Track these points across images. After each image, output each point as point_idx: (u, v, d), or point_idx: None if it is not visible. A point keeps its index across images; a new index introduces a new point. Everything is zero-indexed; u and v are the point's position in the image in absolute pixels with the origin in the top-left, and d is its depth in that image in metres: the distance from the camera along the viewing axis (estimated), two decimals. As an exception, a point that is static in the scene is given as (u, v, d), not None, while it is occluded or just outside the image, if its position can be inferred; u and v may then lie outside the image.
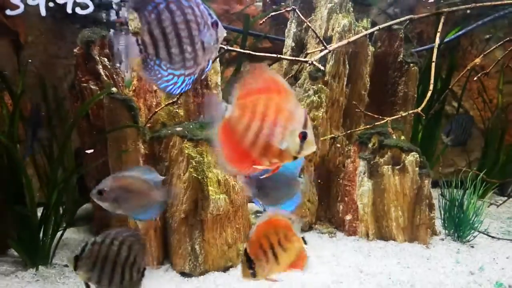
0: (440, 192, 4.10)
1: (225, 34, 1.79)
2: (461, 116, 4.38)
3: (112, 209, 2.23)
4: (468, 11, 3.97)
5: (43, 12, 2.33)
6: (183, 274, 3.04)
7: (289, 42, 4.04)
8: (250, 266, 1.95)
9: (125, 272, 2.08)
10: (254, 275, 1.99)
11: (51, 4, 2.40)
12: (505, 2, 3.57)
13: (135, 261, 2.09)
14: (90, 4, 2.44)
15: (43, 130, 3.40)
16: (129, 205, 2.23)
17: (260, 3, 5.12)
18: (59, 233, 3.38)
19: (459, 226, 3.67)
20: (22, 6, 2.31)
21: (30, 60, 3.83)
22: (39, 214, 3.24)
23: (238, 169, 1.70)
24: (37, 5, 2.38)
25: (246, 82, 1.63)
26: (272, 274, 2.05)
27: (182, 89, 1.82)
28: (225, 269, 3.09)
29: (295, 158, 1.65)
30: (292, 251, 2.02)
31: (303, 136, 1.60)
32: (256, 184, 2.06)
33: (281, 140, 1.60)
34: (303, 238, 2.05)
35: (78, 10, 2.44)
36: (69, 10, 2.41)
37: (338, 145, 3.84)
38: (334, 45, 3.33)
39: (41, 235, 3.22)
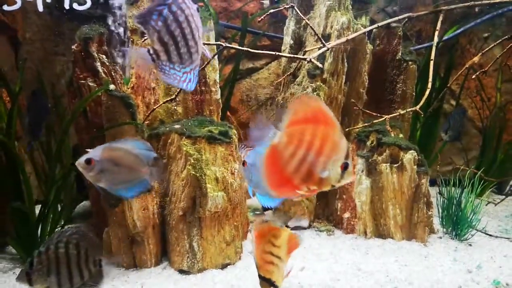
0: (438, 191, 4.10)
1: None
2: (455, 111, 4.38)
3: (95, 180, 2.12)
4: (476, 9, 3.90)
5: (40, 7, 2.32)
6: (181, 271, 3.04)
7: (287, 40, 4.03)
8: (271, 283, 2.09)
9: (82, 268, 2.09)
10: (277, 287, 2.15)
11: (48, 0, 2.38)
12: (503, 0, 3.56)
13: (87, 256, 2.11)
14: (88, 0, 2.43)
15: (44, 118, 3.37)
16: (114, 179, 2.12)
17: (267, 1, 5.09)
18: (57, 230, 3.39)
19: (457, 224, 3.67)
20: (19, 2, 2.30)
21: (26, 57, 3.82)
22: (37, 211, 3.23)
23: (277, 192, 1.79)
24: (35, 1, 2.36)
25: (296, 110, 1.72)
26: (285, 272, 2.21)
27: (195, 82, 1.97)
28: (223, 266, 3.09)
29: (333, 186, 1.74)
30: (285, 242, 2.14)
31: (345, 167, 1.70)
32: (250, 171, 2.10)
33: (323, 169, 1.69)
34: (286, 226, 2.17)
35: (76, 6, 2.42)
36: (66, 6, 2.40)
37: None
38: (332, 43, 3.32)
39: (39, 232, 3.22)
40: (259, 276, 2.17)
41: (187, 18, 1.85)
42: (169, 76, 1.88)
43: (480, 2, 3.60)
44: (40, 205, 3.23)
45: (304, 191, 1.76)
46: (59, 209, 3.51)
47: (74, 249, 2.09)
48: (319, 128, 1.69)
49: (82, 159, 2.09)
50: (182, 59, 1.88)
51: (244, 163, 2.11)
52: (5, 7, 2.33)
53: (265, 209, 4.29)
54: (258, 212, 4.25)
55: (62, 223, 3.56)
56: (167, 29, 1.81)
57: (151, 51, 1.82)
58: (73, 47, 3.02)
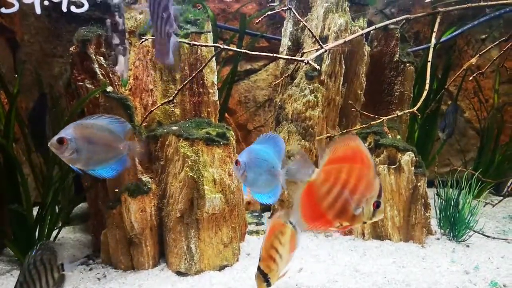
0: (435, 192, 4.11)
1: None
2: (448, 109, 4.39)
3: (72, 162, 2.00)
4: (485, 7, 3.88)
5: (38, 10, 2.33)
6: (179, 273, 3.04)
7: (285, 41, 4.04)
8: (266, 280, 2.12)
9: (48, 279, 2.15)
10: (269, 285, 2.18)
11: (46, 3, 2.39)
12: (500, 2, 3.57)
13: (51, 266, 2.16)
14: (85, 2, 2.43)
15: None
16: (91, 158, 2.01)
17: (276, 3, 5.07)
18: (54, 232, 3.39)
19: (455, 226, 3.68)
20: (17, 4, 2.30)
21: (25, 60, 3.82)
22: (35, 213, 3.23)
23: (311, 226, 1.89)
24: (33, 3, 2.37)
25: (335, 149, 1.84)
26: (280, 272, 2.24)
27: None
28: (221, 268, 3.09)
29: (364, 222, 1.86)
30: (287, 241, 2.17)
31: (377, 205, 1.80)
32: (241, 168, 2.12)
33: (357, 206, 1.80)
34: (290, 222, 2.16)
35: (73, 8, 2.43)
36: (64, 9, 2.40)
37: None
38: (330, 45, 3.32)
39: (36, 234, 3.22)
40: (258, 267, 2.20)
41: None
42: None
43: (477, 4, 3.61)
44: (38, 207, 3.23)
45: (336, 226, 1.87)
46: (57, 210, 3.51)
47: (41, 265, 2.14)
48: (355, 167, 1.80)
49: (54, 139, 1.96)
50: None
51: (237, 162, 2.13)
52: (3, 10, 2.33)
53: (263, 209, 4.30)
54: (256, 214, 4.26)
55: (60, 225, 3.55)
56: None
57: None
58: (71, 49, 3.02)
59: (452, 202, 3.72)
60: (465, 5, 3.67)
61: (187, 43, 3.25)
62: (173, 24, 2.06)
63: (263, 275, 2.18)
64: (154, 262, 3.13)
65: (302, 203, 1.86)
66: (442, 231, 3.79)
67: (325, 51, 3.19)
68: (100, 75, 3.03)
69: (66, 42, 4.07)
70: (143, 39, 3.12)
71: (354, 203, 1.80)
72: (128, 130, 2.12)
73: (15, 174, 3.11)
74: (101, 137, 2.03)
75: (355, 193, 1.79)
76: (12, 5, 2.30)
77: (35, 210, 3.25)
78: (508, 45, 3.21)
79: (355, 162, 1.80)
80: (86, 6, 2.47)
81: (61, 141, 1.95)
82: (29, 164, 3.45)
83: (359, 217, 1.83)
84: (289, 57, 3.13)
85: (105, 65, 3.06)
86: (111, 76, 3.10)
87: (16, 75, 3.61)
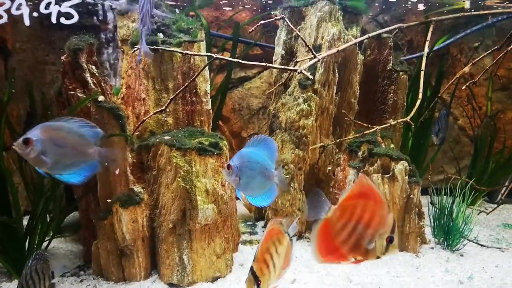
0: (429, 200, 4.10)
1: None
2: (440, 114, 4.43)
3: (38, 164, 1.90)
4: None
5: (26, 22, 2.30)
6: (171, 285, 3.01)
7: (279, 50, 4.04)
8: (257, 283, 2.06)
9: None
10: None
11: (35, 14, 2.37)
12: (492, 11, 3.60)
13: (44, 274, 2.22)
14: (75, 14, 2.41)
15: None
16: (57, 162, 1.92)
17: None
18: (45, 243, 3.34)
19: (449, 235, 3.67)
20: (5, 16, 2.28)
21: (15, 68, 3.78)
22: (25, 222, 3.18)
23: (326, 259, 2.00)
24: (22, 14, 2.35)
25: (350, 190, 1.97)
26: (271, 282, 2.19)
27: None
28: (214, 279, 3.06)
29: (378, 257, 1.94)
30: (283, 252, 2.14)
31: (390, 240, 1.89)
32: (234, 173, 2.10)
33: (370, 241, 1.90)
34: (288, 233, 2.15)
35: (63, 20, 2.41)
36: (53, 20, 2.38)
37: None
38: (323, 54, 3.33)
39: (26, 245, 3.17)
40: (251, 268, 2.14)
41: None
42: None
43: (469, 13, 3.63)
44: (28, 216, 3.18)
45: (351, 261, 1.97)
46: (48, 220, 3.46)
47: (35, 274, 2.18)
48: (369, 203, 1.90)
49: (19, 139, 1.85)
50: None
51: (229, 167, 2.11)
52: (-9, 21, 2.31)
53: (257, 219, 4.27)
54: (250, 223, 4.23)
55: (51, 234, 3.50)
56: None
57: None
58: (63, 58, 2.99)
59: (446, 210, 3.71)
60: (458, 14, 3.69)
61: (180, 52, 3.25)
62: (147, 23, 2.07)
63: (255, 278, 2.11)
64: (146, 273, 3.10)
65: (318, 238, 1.96)
66: (436, 240, 3.79)
67: (319, 60, 3.19)
68: (91, 84, 3.00)
69: (58, 49, 4.04)
70: (135, 48, 3.10)
71: (367, 238, 1.89)
72: (100, 137, 2.04)
73: (5, 184, 3.06)
74: (70, 141, 1.94)
75: (369, 228, 1.89)
76: (1, 17, 2.28)
77: (26, 220, 3.20)
78: (501, 54, 3.22)
79: (368, 199, 1.90)
80: (76, 18, 2.45)
81: (26, 141, 1.85)
82: (20, 173, 3.41)
83: (372, 252, 1.91)
84: (282, 67, 3.12)
85: (96, 74, 3.04)
86: (103, 85, 3.07)
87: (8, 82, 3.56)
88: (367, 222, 1.90)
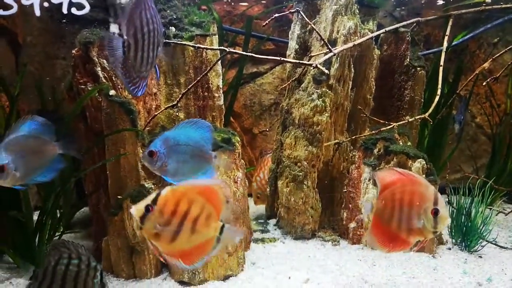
0: (447, 199, 4.00)
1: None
2: (460, 105, 4.36)
3: (13, 182, 1.99)
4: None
5: (37, 12, 2.26)
6: (182, 283, 2.95)
7: (292, 45, 3.95)
8: (147, 209, 1.84)
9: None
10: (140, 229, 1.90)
11: (46, 4, 2.32)
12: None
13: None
14: (87, 4, 2.36)
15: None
16: (27, 170, 1.99)
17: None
18: (55, 239, 3.31)
19: (467, 235, 3.57)
20: (15, 6, 2.23)
21: (27, 62, 3.76)
22: (36, 218, 3.16)
23: (391, 249, 2.11)
24: (33, 4, 2.30)
25: (383, 178, 2.11)
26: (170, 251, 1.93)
27: (141, 92, 2.10)
28: (225, 278, 3.00)
29: (434, 233, 2.02)
30: (204, 234, 1.89)
31: (435, 212, 1.95)
32: (159, 160, 2.01)
33: (418, 219, 1.97)
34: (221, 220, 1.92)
35: (74, 10, 2.36)
36: (64, 11, 2.34)
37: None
38: (339, 48, 3.23)
39: (36, 240, 3.15)
40: (158, 194, 1.89)
41: (156, 30, 2.00)
42: (126, 74, 1.97)
43: (491, 7, 3.50)
44: (39, 211, 3.16)
45: (414, 244, 2.07)
46: (58, 216, 3.43)
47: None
48: (405, 185, 2.00)
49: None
50: (142, 63, 1.99)
51: (152, 154, 2.01)
52: (0, 12, 2.26)
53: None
54: (261, 221, 4.16)
55: (61, 230, 3.48)
56: (141, 29, 1.92)
57: (126, 43, 1.86)
58: (73, 51, 2.96)
59: (464, 211, 3.61)
60: (478, 8, 3.56)
61: (192, 46, 3.18)
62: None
63: (151, 203, 1.85)
64: (156, 271, 3.05)
65: (374, 232, 2.08)
66: (454, 240, 3.69)
67: (334, 54, 3.10)
68: (102, 78, 2.96)
69: (69, 43, 4.01)
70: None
71: (414, 217, 1.97)
72: (52, 130, 2.10)
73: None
74: (31, 147, 2.01)
75: (412, 208, 1.97)
76: (11, 7, 2.24)
77: (36, 215, 3.18)
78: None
79: (402, 182, 1.99)
80: (88, 8, 2.40)
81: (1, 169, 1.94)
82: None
83: (425, 229, 1.97)
84: (297, 61, 3.04)
85: (108, 68, 2.99)
86: (114, 79, 3.03)
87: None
88: (408, 202, 1.97)
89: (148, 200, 1.84)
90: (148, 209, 1.82)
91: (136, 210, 1.84)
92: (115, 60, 1.91)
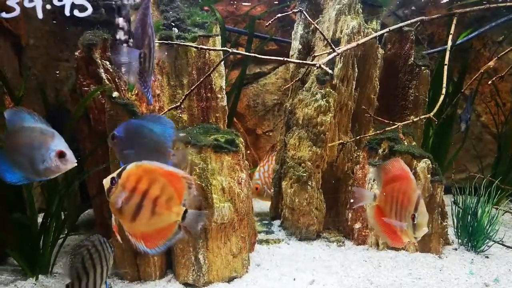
0: (452, 199, 3.97)
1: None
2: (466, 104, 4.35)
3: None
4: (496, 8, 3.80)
5: (40, 14, 2.26)
6: (187, 284, 2.94)
7: (296, 45, 3.93)
8: (112, 181, 1.87)
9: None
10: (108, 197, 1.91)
11: (48, 7, 2.32)
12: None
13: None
14: (89, 6, 2.36)
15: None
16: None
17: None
18: (60, 241, 3.31)
19: (473, 235, 3.54)
20: (18, 9, 2.23)
21: (31, 66, 3.77)
22: (40, 220, 3.15)
23: (396, 242, 2.15)
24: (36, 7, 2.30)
25: (385, 172, 2.14)
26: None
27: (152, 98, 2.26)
28: (230, 280, 2.99)
29: (416, 238, 2.05)
30: (165, 217, 1.89)
31: (412, 218, 1.99)
32: (121, 146, 2.01)
33: (404, 221, 2.03)
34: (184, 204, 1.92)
35: (76, 12, 2.36)
36: (67, 13, 2.33)
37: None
38: (342, 48, 3.22)
39: (41, 243, 3.14)
40: (120, 172, 1.92)
41: (153, 36, 2.06)
42: (144, 84, 2.04)
43: (496, 5, 3.48)
44: (43, 214, 3.15)
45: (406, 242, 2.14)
46: (63, 218, 3.42)
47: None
48: (401, 184, 2.03)
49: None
50: (150, 70, 2.05)
51: (113, 137, 2.01)
52: (3, 15, 2.27)
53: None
54: (266, 221, 4.14)
55: (66, 232, 3.47)
56: (152, 37, 1.98)
57: (142, 54, 1.87)
58: (76, 53, 2.95)
59: (470, 210, 3.58)
60: (483, 6, 3.54)
61: (195, 47, 3.17)
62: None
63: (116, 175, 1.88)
64: (161, 272, 3.04)
65: (379, 223, 2.12)
66: (460, 241, 3.66)
67: (337, 54, 3.09)
68: (106, 80, 2.95)
69: (72, 45, 4.01)
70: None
71: (402, 218, 2.02)
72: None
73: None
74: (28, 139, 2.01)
75: (402, 209, 2.01)
76: (13, 10, 2.24)
77: (40, 217, 3.17)
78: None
79: (401, 180, 2.00)
80: (90, 10, 2.40)
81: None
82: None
83: (408, 232, 2.02)
84: (301, 61, 3.03)
85: (111, 70, 2.99)
86: (117, 81, 3.02)
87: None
88: (401, 202, 2.00)
89: (115, 173, 1.87)
90: (112, 181, 1.84)
91: (105, 181, 1.88)
92: (133, 71, 1.95)
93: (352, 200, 2.39)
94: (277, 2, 5.04)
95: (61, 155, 1.99)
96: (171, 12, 3.42)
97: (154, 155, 2.09)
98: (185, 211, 1.88)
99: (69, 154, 2.01)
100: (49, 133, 2.01)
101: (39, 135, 2.00)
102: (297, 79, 3.82)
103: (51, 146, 1.99)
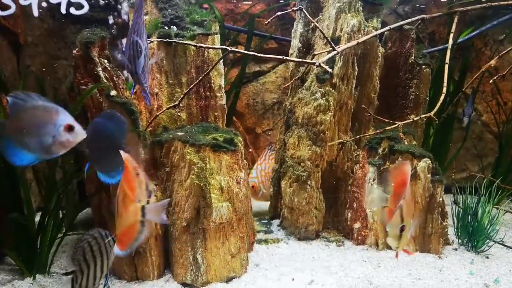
0: (452, 199, 3.95)
1: None
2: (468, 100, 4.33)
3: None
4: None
5: (35, 13, 2.23)
6: (185, 284, 2.93)
7: (295, 43, 3.91)
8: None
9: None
10: None
11: (44, 4, 2.30)
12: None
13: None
14: (85, 4, 2.33)
15: None
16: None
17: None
18: (57, 240, 3.29)
19: (473, 235, 3.52)
20: (13, 6, 2.21)
21: (29, 65, 3.74)
22: (38, 219, 3.14)
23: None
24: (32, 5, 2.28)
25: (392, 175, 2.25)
26: None
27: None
28: (228, 280, 2.97)
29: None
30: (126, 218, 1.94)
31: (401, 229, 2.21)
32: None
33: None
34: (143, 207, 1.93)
35: (72, 10, 2.33)
36: (63, 11, 2.31)
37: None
38: (342, 46, 3.19)
39: (38, 242, 3.13)
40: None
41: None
42: (145, 85, 2.14)
43: (497, 4, 3.45)
44: (41, 213, 3.13)
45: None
46: (61, 216, 3.41)
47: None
48: (401, 190, 2.15)
49: None
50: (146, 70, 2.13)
51: (70, 128, 2.01)
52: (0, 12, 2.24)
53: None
54: (265, 221, 4.12)
55: (64, 231, 3.46)
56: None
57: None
58: (74, 51, 2.93)
59: (471, 210, 3.56)
60: (484, 5, 3.51)
61: (194, 45, 3.15)
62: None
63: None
64: (159, 272, 3.02)
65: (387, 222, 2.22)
66: (460, 241, 3.64)
67: (337, 53, 3.06)
68: (104, 79, 2.93)
69: (70, 44, 4.00)
70: (149, 41, 3.01)
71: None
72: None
73: (17, 181, 3.02)
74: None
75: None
76: (9, 7, 2.21)
77: (38, 216, 3.15)
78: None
79: (402, 186, 2.12)
80: (86, 8, 2.37)
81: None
82: (32, 169, 3.37)
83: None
84: (300, 60, 3.00)
85: (109, 68, 2.96)
86: (115, 79, 3.00)
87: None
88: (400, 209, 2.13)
89: None
90: None
91: None
92: (145, 72, 2.03)
93: (366, 202, 2.56)
94: (280, 0, 5.01)
95: (70, 128, 1.95)
96: (169, 10, 3.40)
97: (108, 152, 2.09)
98: (143, 207, 1.87)
99: (78, 126, 1.96)
100: (54, 109, 1.97)
101: (44, 112, 1.95)
102: (296, 77, 3.79)
103: (58, 121, 1.94)
